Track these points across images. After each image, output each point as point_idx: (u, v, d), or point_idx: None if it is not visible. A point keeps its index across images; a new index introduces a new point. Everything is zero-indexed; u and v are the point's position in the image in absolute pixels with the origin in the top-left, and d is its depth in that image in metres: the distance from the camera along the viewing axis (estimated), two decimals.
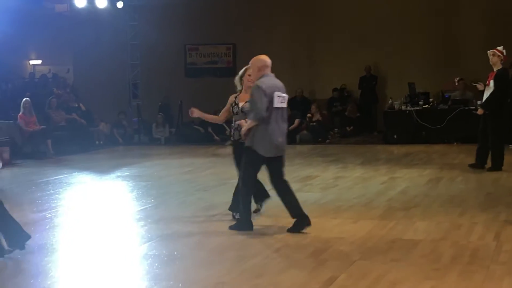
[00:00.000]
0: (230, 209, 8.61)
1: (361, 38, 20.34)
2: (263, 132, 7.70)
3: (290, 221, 7.97)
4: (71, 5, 20.19)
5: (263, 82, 7.68)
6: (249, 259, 6.81)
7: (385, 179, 11.82)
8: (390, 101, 18.69)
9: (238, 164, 8.12)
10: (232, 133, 8.49)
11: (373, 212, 9.02)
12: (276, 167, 7.92)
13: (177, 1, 21.05)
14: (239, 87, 8.42)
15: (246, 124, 7.79)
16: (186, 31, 21.85)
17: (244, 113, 8.12)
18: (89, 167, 14.58)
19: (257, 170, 7.92)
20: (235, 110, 8.32)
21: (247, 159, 7.83)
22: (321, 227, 8.09)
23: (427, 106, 18.10)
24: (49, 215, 9.31)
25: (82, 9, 20.09)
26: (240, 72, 8.44)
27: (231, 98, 8.45)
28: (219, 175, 12.68)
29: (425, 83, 19.15)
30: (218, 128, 19.31)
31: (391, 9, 20.29)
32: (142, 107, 21.58)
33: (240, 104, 8.27)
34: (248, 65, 8.10)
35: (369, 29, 20.34)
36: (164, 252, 7.15)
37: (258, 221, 8.32)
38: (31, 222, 8.78)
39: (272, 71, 7.89)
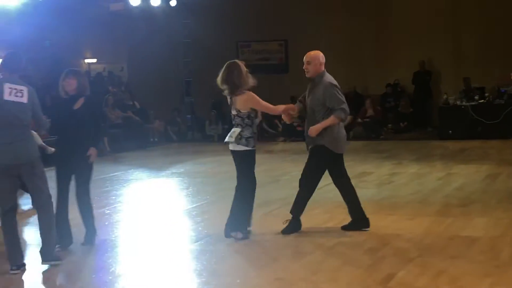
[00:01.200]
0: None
1: (415, 33, 20.14)
2: (339, 128, 7.70)
3: (345, 218, 7.98)
4: (126, 3, 20.44)
5: (332, 79, 7.69)
6: (305, 255, 6.85)
7: (441, 175, 11.70)
8: (445, 96, 18.47)
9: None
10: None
11: (430, 208, 8.95)
12: (342, 164, 7.91)
13: None
14: None
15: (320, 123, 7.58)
16: (238, 28, 21.93)
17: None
18: (145, 164, 14.79)
19: (324, 172, 7.86)
20: None
21: (317, 161, 7.70)
22: (377, 223, 8.07)
23: (482, 101, 17.84)
24: (108, 211, 9.50)
25: (136, 7, 20.33)
26: None
27: None
28: (272, 171, 12.74)
29: (480, 78, 18.86)
30: (270, 125, 19.34)
31: (445, 3, 20.04)
32: (195, 104, 21.76)
33: None
34: None
35: (423, 24, 20.13)
36: (221, 248, 7.24)
37: (313, 218, 8.34)
38: (97, 216, 8.97)
39: (325, 67, 7.88)
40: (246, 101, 7.51)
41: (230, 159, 15.39)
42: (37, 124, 7.02)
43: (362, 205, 7.99)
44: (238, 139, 7.51)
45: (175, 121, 20.68)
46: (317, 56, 7.76)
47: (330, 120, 7.56)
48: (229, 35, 21.87)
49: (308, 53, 7.87)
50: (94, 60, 25.93)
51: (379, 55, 20.81)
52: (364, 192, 10.01)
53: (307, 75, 7.79)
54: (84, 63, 26.00)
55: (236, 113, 7.58)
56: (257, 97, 7.54)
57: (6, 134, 6.43)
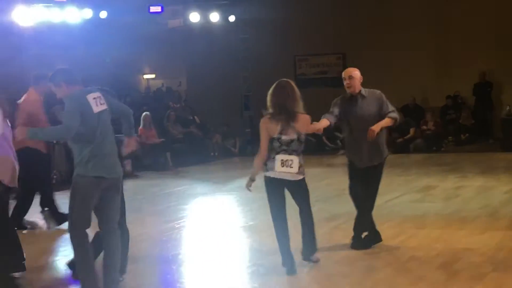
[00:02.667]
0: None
1: (475, 44, 19.93)
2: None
3: (414, 233, 7.95)
4: (185, 20, 20.76)
5: None
6: (379, 271, 6.86)
7: (508, 189, 11.54)
8: (508, 108, 18.22)
9: None
10: None
11: (500, 222, 8.86)
12: None
13: (286, 13, 21.28)
14: None
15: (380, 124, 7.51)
16: (295, 42, 22.03)
17: None
18: (207, 179, 14.94)
19: None
20: None
21: (380, 178, 7.74)
22: (447, 238, 8.03)
23: None
24: (178, 226, 9.64)
25: (194, 23, 20.62)
26: None
27: None
28: (335, 185, 12.72)
29: None
30: (330, 138, 19.36)
31: (506, 13, 19.79)
32: (255, 119, 21.89)
33: None
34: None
35: (483, 35, 19.91)
36: (296, 260, 7.28)
37: (382, 232, 8.33)
38: (162, 231, 9.16)
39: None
40: (306, 123, 7.20)
41: None
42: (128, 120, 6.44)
43: (430, 220, 7.98)
44: (298, 167, 7.21)
45: (233, 136, 20.86)
46: (357, 71, 7.79)
47: (386, 121, 7.58)
48: (286, 49, 21.98)
49: (347, 69, 7.85)
50: (153, 76, 26.37)
51: (438, 67, 20.65)
52: (431, 207, 10.00)
53: (350, 91, 7.69)
54: (143, 78, 26.47)
55: (296, 137, 7.08)
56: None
57: (104, 145, 5.96)
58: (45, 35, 18.52)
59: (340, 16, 21.32)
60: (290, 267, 6.80)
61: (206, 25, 21.08)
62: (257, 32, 21.66)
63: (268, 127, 7.02)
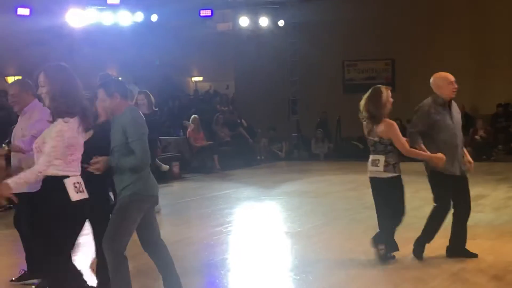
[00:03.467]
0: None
1: None
2: None
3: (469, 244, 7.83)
4: (234, 24, 20.86)
5: None
6: (429, 281, 6.78)
7: None
8: None
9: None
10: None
11: None
12: None
13: (335, 18, 21.20)
14: None
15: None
16: (344, 47, 21.95)
17: None
18: (254, 182, 14.97)
19: None
20: None
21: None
22: (498, 250, 7.91)
23: None
24: (225, 230, 9.67)
25: (243, 27, 20.70)
26: None
27: None
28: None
29: None
30: None
31: None
32: (301, 123, 21.87)
33: None
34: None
35: None
36: (343, 269, 7.26)
37: (433, 242, 8.22)
38: (210, 235, 9.19)
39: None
40: (387, 132, 7.28)
41: (339, 179, 15.45)
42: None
43: (480, 231, 7.86)
44: (385, 166, 7.32)
45: (280, 139, 20.87)
46: None
47: None
48: (335, 54, 21.92)
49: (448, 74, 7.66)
50: (201, 79, 26.53)
51: (489, 74, 20.35)
52: (481, 217, 9.84)
53: (453, 96, 7.55)
54: (191, 81, 26.64)
55: (378, 139, 7.33)
56: (396, 130, 7.26)
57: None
58: (97, 37, 18.79)
59: (389, 21, 21.16)
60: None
61: (255, 29, 21.15)
62: (306, 37, 21.64)
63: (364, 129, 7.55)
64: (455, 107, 7.59)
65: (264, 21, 20.52)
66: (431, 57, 19.94)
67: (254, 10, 20.62)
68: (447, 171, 7.40)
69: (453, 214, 7.60)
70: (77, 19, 17.08)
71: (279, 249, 8.50)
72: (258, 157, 19.80)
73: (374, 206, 10.98)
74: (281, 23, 20.96)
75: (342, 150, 20.42)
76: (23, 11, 16.26)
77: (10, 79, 18.23)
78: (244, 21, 20.23)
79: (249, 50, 22.53)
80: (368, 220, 9.99)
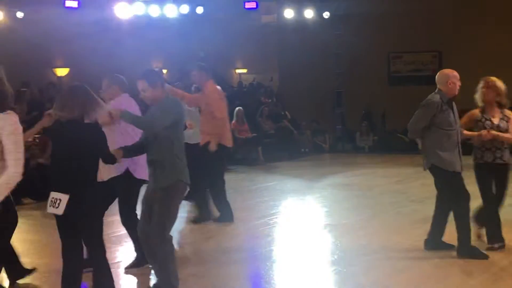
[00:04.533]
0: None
1: None
2: None
3: None
4: (279, 16, 20.83)
5: None
6: (477, 275, 6.72)
7: None
8: None
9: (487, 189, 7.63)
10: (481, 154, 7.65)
11: None
12: None
13: (381, 10, 21.01)
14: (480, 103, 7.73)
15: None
16: (390, 40, 21.74)
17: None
18: (298, 175, 14.95)
19: None
20: (487, 126, 7.61)
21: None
22: None
23: None
24: (270, 222, 9.69)
25: (288, 19, 20.66)
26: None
27: (475, 112, 7.76)
28: (430, 186, 12.39)
29: None
30: None
31: None
32: (346, 115, 21.78)
33: (495, 120, 7.64)
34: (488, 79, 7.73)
35: None
36: (389, 262, 7.23)
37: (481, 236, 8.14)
38: (255, 227, 9.24)
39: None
40: None
41: (384, 172, 15.32)
42: None
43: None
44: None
45: (325, 132, 20.81)
46: None
47: None
48: (380, 46, 21.72)
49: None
50: (245, 70, 26.58)
51: None
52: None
53: (456, 93, 7.45)
54: (235, 73, 26.71)
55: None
56: None
57: None
58: (143, 29, 18.94)
59: (436, 13, 20.90)
60: None
61: (300, 21, 21.09)
62: (351, 29, 21.50)
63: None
64: (454, 105, 7.48)
65: (309, 13, 20.44)
66: (478, 49, 19.67)
67: (299, 2, 20.55)
68: (451, 167, 7.34)
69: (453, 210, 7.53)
70: (124, 12, 17.25)
71: (324, 242, 8.50)
72: (302, 150, 19.76)
73: (420, 200, 11.01)
74: (326, 15, 20.85)
75: (387, 143, 20.27)
76: (71, 4, 16.48)
77: (59, 71, 18.53)
78: (289, 13, 20.19)
79: (293, 42, 22.47)
80: (414, 214, 9.97)
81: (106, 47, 17.84)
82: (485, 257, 7.23)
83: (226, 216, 9.56)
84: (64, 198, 5.16)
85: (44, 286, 6.70)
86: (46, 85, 17.20)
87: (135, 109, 6.76)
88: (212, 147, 9.26)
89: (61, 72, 18.55)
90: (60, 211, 5.18)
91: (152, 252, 5.95)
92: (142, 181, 6.85)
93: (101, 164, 5.44)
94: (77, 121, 5.30)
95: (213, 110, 9.32)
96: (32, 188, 11.66)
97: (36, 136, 12.76)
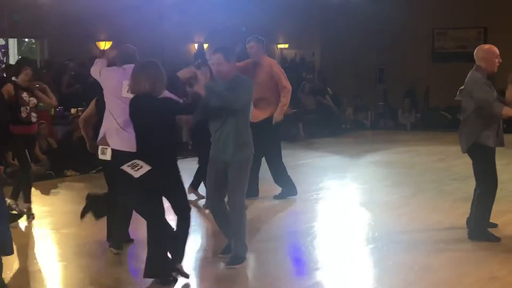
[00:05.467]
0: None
1: None
2: None
3: None
4: None
5: None
6: None
7: None
8: None
9: None
10: None
11: None
12: None
13: None
14: None
15: None
16: (434, 15, 21.44)
17: None
18: (339, 151, 14.88)
19: None
20: None
21: None
22: None
23: None
24: (311, 198, 9.68)
25: None
26: None
27: None
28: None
29: None
30: None
31: None
32: (388, 92, 21.57)
33: None
34: None
35: None
36: (430, 241, 7.18)
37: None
38: (296, 203, 9.24)
39: None
40: None
41: (426, 149, 15.21)
42: None
43: None
44: None
45: (366, 108, 20.66)
46: None
47: None
48: (425, 21, 21.44)
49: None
50: (286, 46, 26.42)
51: None
52: None
53: (495, 70, 7.25)
54: (277, 48, 26.58)
55: None
56: None
57: None
58: (186, 4, 18.93)
59: None
60: None
61: None
62: (395, 4, 21.22)
63: None
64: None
65: None
66: None
67: None
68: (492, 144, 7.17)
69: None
70: None
71: (364, 219, 8.46)
72: (343, 126, 19.66)
73: (462, 178, 10.88)
74: None
75: (429, 120, 20.05)
76: None
77: (102, 44, 18.64)
78: None
79: (336, 17, 22.29)
80: (456, 192, 9.87)
81: (149, 21, 17.87)
82: (498, 239, 7.12)
83: (291, 190, 9.57)
84: (146, 167, 5.52)
85: (85, 256, 6.80)
86: (89, 59, 17.32)
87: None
88: (280, 117, 9.29)
89: (104, 45, 18.66)
90: (136, 174, 5.52)
91: (227, 221, 6.34)
92: None
93: None
94: (150, 95, 5.61)
95: (281, 81, 9.27)
96: (75, 161, 11.83)
97: (80, 109, 12.93)
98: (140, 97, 5.65)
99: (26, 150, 8.40)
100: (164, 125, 5.65)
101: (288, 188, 9.62)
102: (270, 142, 9.32)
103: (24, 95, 8.27)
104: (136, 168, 5.53)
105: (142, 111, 5.65)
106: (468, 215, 7.51)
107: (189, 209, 6.03)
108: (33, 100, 8.36)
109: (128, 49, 6.98)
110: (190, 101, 6.03)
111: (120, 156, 6.04)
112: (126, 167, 5.57)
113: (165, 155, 5.67)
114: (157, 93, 5.63)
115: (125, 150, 6.06)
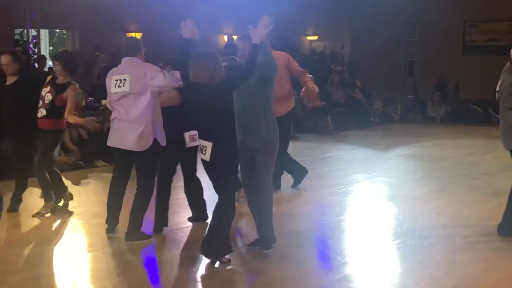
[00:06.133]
0: None
1: None
2: None
3: None
4: None
5: None
6: None
7: None
8: None
9: None
10: None
11: None
12: None
13: None
14: None
15: None
16: (465, 8, 21.22)
17: None
18: (368, 144, 14.83)
19: None
20: None
21: None
22: None
23: None
24: (338, 191, 9.66)
25: None
26: None
27: None
28: (503, 159, 12.08)
29: None
30: (497, 108, 18.56)
31: None
32: (418, 85, 21.42)
33: None
34: None
35: None
36: (459, 236, 7.14)
37: None
38: (324, 196, 9.26)
39: None
40: None
41: (456, 143, 15.11)
42: None
43: None
44: None
45: (395, 101, 20.53)
46: None
47: None
48: (456, 14, 21.23)
49: None
50: (316, 37, 26.33)
51: None
52: None
53: None
54: (306, 40, 26.50)
55: None
56: None
57: None
58: None
59: None
60: None
61: None
62: None
63: None
64: None
65: None
66: None
67: None
68: None
69: None
70: None
71: (393, 213, 8.44)
72: (372, 119, 19.57)
73: (492, 173, 10.80)
74: None
75: (459, 114, 19.89)
76: None
77: (132, 35, 18.76)
78: None
79: (366, 9, 22.15)
80: (486, 187, 9.80)
81: (179, 12, 17.90)
82: None
83: (301, 173, 9.69)
84: (209, 145, 5.99)
85: (114, 246, 6.86)
86: (118, 50, 17.44)
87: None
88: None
89: (134, 36, 18.77)
90: (207, 157, 6.02)
91: (259, 202, 6.51)
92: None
93: None
94: (208, 84, 6.01)
95: (298, 68, 9.45)
96: (105, 151, 11.91)
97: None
98: (199, 85, 6.04)
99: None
100: (220, 106, 6.04)
101: (297, 173, 9.68)
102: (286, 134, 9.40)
103: (44, 89, 7.96)
104: (203, 151, 6.04)
105: (202, 94, 6.03)
106: (497, 209, 7.46)
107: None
108: (49, 96, 7.88)
109: (129, 41, 7.24)
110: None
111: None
112: (199, 154, 6.28)
113: (223, 130, 6.05)
114: (214, 81, 5.99)
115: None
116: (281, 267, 6.24)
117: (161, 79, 6.68)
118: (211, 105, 6.02)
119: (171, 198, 7.54)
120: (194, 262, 6.33)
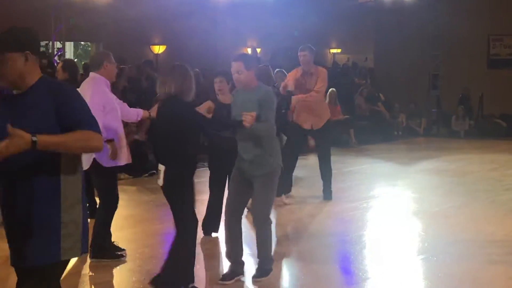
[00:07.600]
0: None
1: None
2: None
3: None
4: None
5: None
6: None
7: None
8: None
9: None
10: None
11: None
12: None
13: None
14: None
15: None
16: (490, 21, 21.09)
17: None
18: (391, 158, 14.77)
19: None
20: None
21: None
22: None
23: None
24: (361, 206, 9.64)
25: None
26: None
27: None
28: None
29: None
30: None
31: None
32: (441, 99, 21.32)
33: None
34: None
35: None
36: (482, 253, 7.09)
37: None
38: (346, 210, 9.23)
39: None
40: None
41: (479, 158, 15.03)
42: None
43: None
44: None
45: (418, 115, 20.45)
46: None
47: None
48: (480, 28, 21.10)
49: None
50: (339, 50, 26.36)
51: None
52: None
53: None
54: (329, 53, 26.54)
55: None
56: None
57: None
58: (240, 8, 19.06)
59: None
60: None
61: (397, 1, 20.74)
62: (450, 9, 20.97)
63: None
64: None
65: None
66: None
67: None
68: None
69: None
70: None
71: (415, 228, 8.40)
72: (396, 133, 19.50)
73: None
74: None
75: (483, 128, 19.73)
76: None
77: (156, 48, 18.90)
78: None
79: (390, 22, 22.12)
80: (510, 203, 9.74)
81: (203, 26, 18.06)
82: None
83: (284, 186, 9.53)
84: (162, 169, 5.56)
85: (136, 260, 6.91)
86: (143, 63, 17.57)
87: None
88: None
89: (158, 49, 18.91)
90: (160, 182, 5.61)
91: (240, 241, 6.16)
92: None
93: None
94: (175, 98, 5.53)
95: (320, 81, 9.54)
96: (128, 164, 11.99)
97: None
98: (164, 100, 5.66)
99: None
100: (177, 129, 5.50)
101: (283, 184, 9.63)
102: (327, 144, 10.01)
103: None
104: (159, 175, 5.64)
105: (162, 113, 5.67)
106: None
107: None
108: None
109: (97, 54, 7.28)
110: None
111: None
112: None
113: (172, 156, 5.56)
114: (184, 97, 5.54)
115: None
116: (302, 283, 6.24)
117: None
118: (164, 126, 5.60)
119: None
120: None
